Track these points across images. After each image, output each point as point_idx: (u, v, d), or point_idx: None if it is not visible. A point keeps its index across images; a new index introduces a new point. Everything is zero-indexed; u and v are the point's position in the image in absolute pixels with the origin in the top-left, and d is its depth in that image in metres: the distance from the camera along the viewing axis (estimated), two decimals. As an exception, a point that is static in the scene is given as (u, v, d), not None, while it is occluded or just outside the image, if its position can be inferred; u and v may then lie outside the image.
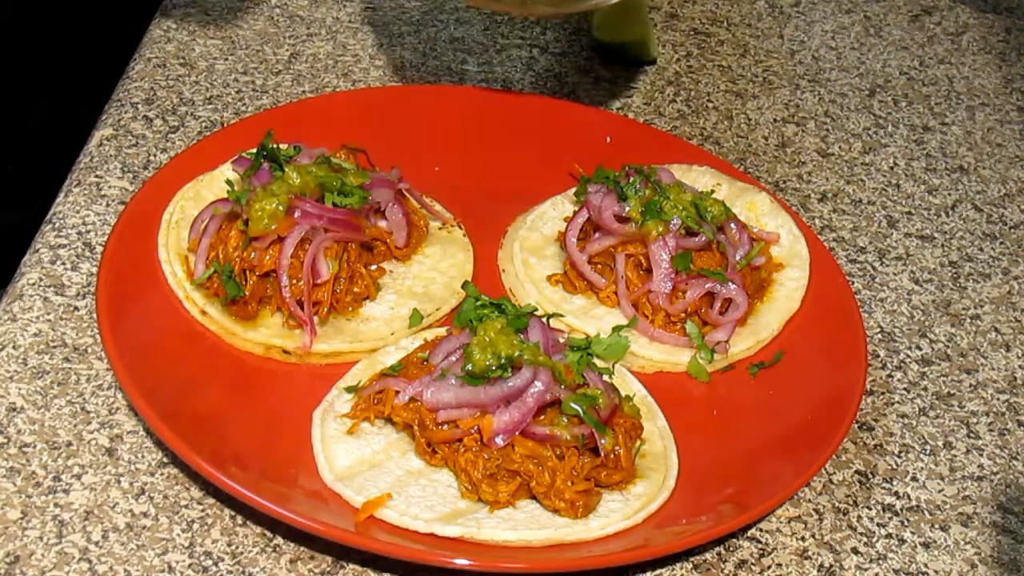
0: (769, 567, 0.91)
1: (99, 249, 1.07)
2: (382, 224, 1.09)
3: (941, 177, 1.40)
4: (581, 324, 1.07)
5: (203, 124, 1.26)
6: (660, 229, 1.06)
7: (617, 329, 1.06)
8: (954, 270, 1.27)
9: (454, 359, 0.93)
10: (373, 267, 1.08)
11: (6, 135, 1.35)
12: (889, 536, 0.96)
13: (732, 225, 1.11)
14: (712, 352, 1.06)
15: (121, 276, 0.99)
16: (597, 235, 1.10)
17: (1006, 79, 1.62)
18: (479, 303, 0.96)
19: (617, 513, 0.89)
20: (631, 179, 1.10)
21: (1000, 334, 1.19)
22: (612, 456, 0.90)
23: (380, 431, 0.93)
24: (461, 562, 0.82)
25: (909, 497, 0.99)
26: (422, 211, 1.14)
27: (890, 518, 0.97)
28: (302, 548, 0.86)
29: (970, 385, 1.12)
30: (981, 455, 1.05)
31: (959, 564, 0.95)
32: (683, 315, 1.07)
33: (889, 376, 1.11)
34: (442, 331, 1.02)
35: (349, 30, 1.46)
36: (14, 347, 0.97)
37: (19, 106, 1.36)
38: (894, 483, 1.00)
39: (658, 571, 0.90)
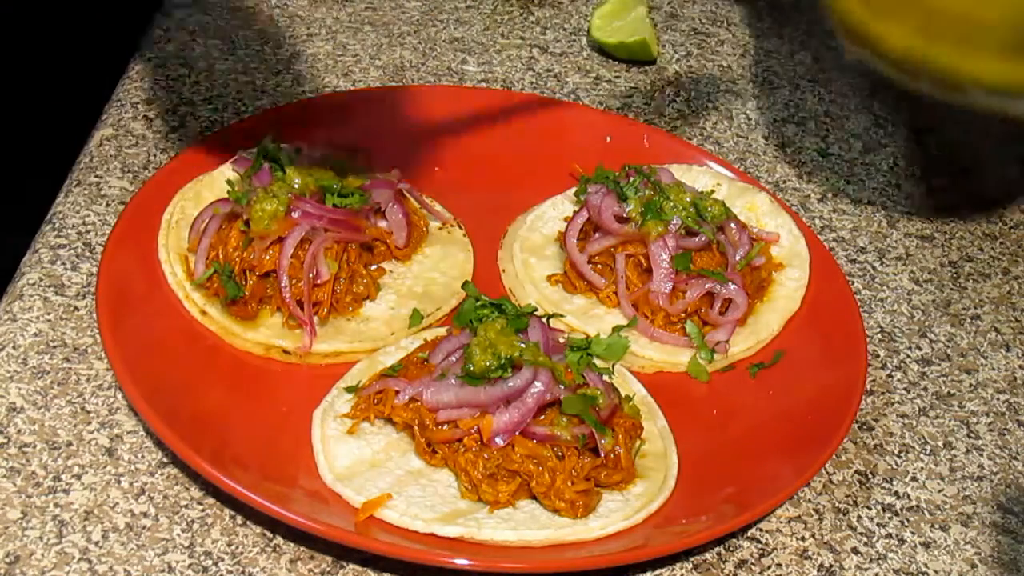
0: (769, 567, 0.91)
1: (99, 249, 1.07)
2: (382, 224, 1.09)
3: (941, 177, 1.40)
4: (581, 324, 1.07)
5: (203, 124, 1.26)
6: (660, 229, 1.06)
7: (617, 329, 1.06)
8: (954, 270, 1.27)
9: (454, 359, 0.93)
10: (373, 267, 1.08)
11: (6, 135, 1.35)
12: (889, 536, 0.96)
13: (732, 225, 1.11)
14: (712, 352, 1.06)
15: (121, 276, 0.99)
16: (597, 235, 1.10)
17: (1006, 79, 1.62)
18: (479, 303, 0.96)
19: (617, 513, 0.89)
20: (631, 179, 1.10)
21: (1000, 334, 1.19)
22: (612, 456, 0.90)
23: (380, 431, 0.93)
24: (461, 562, 0.82)
25: (909, 497, 0.99)
26: (422, 211, 1.14)
27: (890, 518, 0.97)
28: (302, 548, 0.86)
29: (970, 385, 1.12)
30: (981, 455, 1.05)
31: (959, 564, 0.95)
32: (683, 315, 1.07)
33: (889, 376, 1.11)
34: (442, 331, 1.02)
35: (349, 30, 1.46)
36: (14, 347, 0.97)
37: (19, 106, 1.36)
38: (894, 483, 1.00)
39: (658, 571, 0.90)
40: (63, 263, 1.06)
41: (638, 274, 1.08)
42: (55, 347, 0.98)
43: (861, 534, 0.95)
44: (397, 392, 0.92)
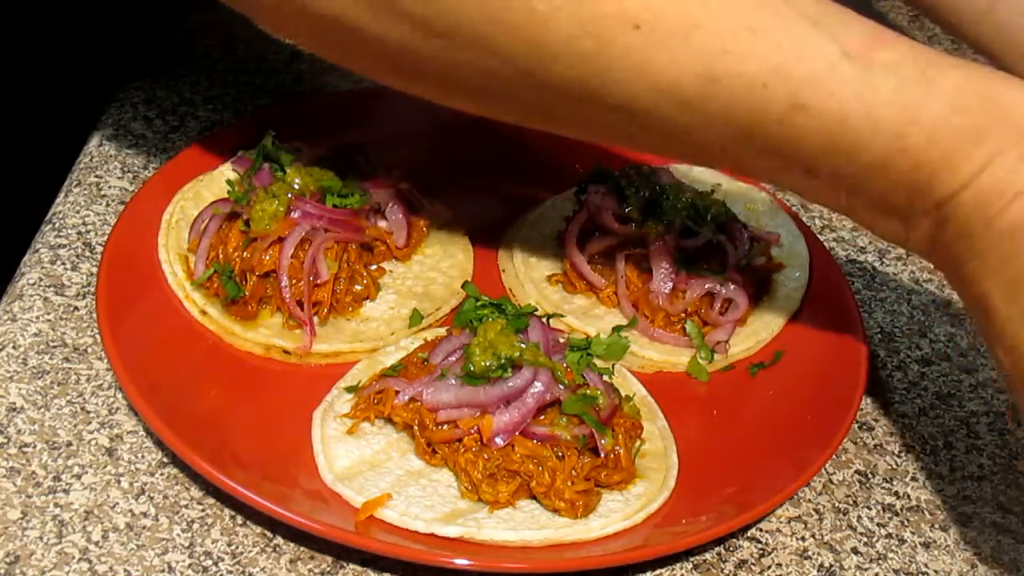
0: (769, 567, 0.91)
1: (99, 249, 1.07)
2: (382, 224, 1.09)
3: (941, 177, 1.40)
4: (581, 324, 1.07)
5: (203, 124, 1.26)
6: (660, 229, 1.06)
7: (617, 329, 1.06)
8: (954, 270, 1.26)
9: (454, 359, 0.93)
10: (373, 267, 1.08)
11: (6, 135, 1.35)
12: (889, 536, 0.96)
13: (732, 225, 1.11)
14: (712, 352, 1.06)
15: (121, 276, 0.99)
16: (597, 235, 1.10)
17: (1006, 79, 1.61)
18: (479, 303, 0.96)
19: (617, 513, 0.89)
20: (631, 179, 1.10)
21: (1000, 334, 1.19)
22: (612, 456, 0.90)
23: (380, 431, 0.93)
24: (461, 562, 0.82)
25: (909, 497, 0.99)
26: (422, 211, 1.14)
27: (890, 518, 0.97)
28: (302, 548, 0.86)
29: (970, 385, 1.12)
30: (981, 455, 1.05)
31: (959, 564, 0.94)
32: (683, 315, 1.07)
33: (889, 376, 1.11)
34: (442, 331, 1.02)
35: (349, 30, 1.46)
36: (14, 347, 0.97)
37: (19, 106, 1.36)
38: (894, 483, 1.00)
39: (658, 571, 0.90)
40: (63, 263, 1.06)
41: (638, 274, 1.08)
42: (55, 347, 0.98)
43: (861, 534, 0.95)
44: (397, 392, 0.92)
